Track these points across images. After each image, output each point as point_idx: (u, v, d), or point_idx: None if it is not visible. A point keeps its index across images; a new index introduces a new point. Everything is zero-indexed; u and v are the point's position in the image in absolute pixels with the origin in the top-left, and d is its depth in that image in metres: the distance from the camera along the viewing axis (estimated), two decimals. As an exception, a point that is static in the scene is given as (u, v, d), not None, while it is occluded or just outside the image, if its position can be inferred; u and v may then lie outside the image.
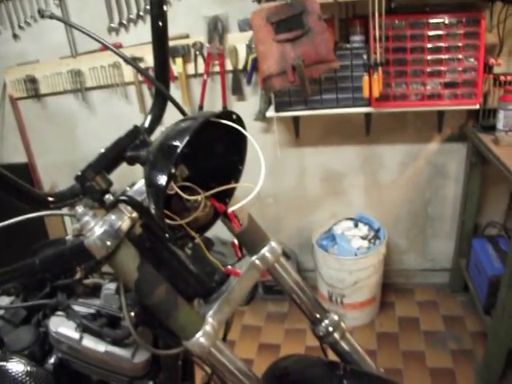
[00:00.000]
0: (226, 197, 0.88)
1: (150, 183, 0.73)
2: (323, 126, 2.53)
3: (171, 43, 2.38)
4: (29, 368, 1.03)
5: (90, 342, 1.03)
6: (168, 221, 0.77)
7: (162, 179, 0.70)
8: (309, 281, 2.83)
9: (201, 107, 2.49)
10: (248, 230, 1.02)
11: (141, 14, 2.44)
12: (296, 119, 2.48)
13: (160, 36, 0.95)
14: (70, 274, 1.17)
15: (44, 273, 1.12)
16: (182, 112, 0.95)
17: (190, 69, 2.47)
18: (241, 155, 0.87)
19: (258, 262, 1.03)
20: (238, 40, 2.34)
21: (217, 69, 2.43)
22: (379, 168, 2.60)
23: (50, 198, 0.87)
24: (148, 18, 2.43)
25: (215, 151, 0.87)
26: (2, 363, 1.03)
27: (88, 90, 2.71)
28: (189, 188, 0.83)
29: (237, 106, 2.55)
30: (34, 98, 2.81)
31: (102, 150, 0.85)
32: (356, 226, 2.63)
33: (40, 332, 1.11)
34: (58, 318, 1.08)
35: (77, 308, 1.08)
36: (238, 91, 2.48)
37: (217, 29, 2.31)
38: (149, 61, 2.42)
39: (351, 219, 2.66)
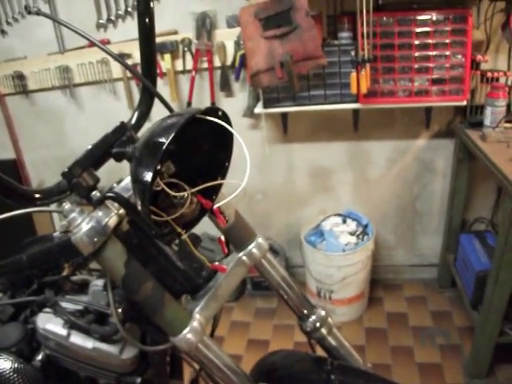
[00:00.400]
0: (212, 193, 0.88)
1: (136, 180, 0.73)
2: (311, 122, 2.53)
3: (159, 39, 2.37)
4: (16, 365, 1.03)
5: (77, 339, 1.03)
6: (154, 217, 0.78)
7: (148, 176, 0.70)
8: (297, 277, 2.85)
9: (189, 103, 2.49)
10: (235, 226, 1.02)
11: (129, 10, 2.43)
12: (284, 115, 2.49)
13: (147, 33, 0.95)
14: (57, 271, 1.17)
15: (31, 269, 1.12)
16: (169, 108, 0.95)
17: (179, 65, 2.47)
18: (227, 152, 0.87)
19: (245, 258, 1.04)
20: (226, 36, 2.33)
21: (205, 65, 2.42)
22: (367, 164, 2.62)
23: (37, 195, 0.87)
24: (136, 14, 2.41)
25: (202, 148, 0.88)
26: (-11, 360, 1.03)
27: (76, 87, 2.69)
28: (175, 184, 0.83)
29: (225, 103, 2.55)
30: (22, 94, 2.80)
31: (89, 147, 0.85)
32: (344, 221, 2.64)
33: (28, 329, 1.11)
34: (45, 315, 1.08)
35: (64, 304, 1.08)
36: (226, 87, 2.48)
37: (205, 25, 2.31)
38: (137, 57, 2.41)
39: (339, 215, 2.67)
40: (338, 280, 2.44)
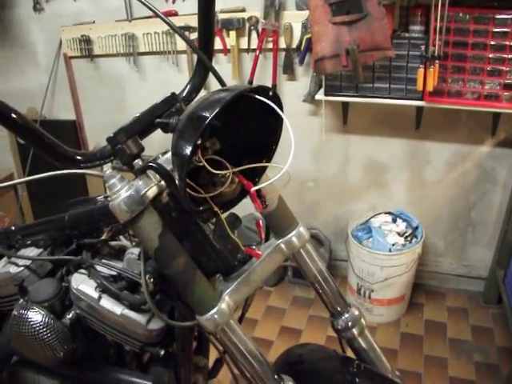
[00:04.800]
0: (256, 176, 0.86)
1: (176, 152, 0.71)
2: (372, 115, 2.46)
3: (226, 15, 2.36)
4: (47, 319, 1.05)
5: (107, 303, 1.04)
6: (192, 193, 0.76)
7: (188, 149, 0.69)
8: (340, 270, 2.83)
9: (250, 83, 2.46)
10: (277, 211, 0.99)
11: (199, -18, 2.41)
12: (345, 105, 2.43)
13: (207, 5, 0.92)
14: (97, 234, 1.18)
15: (72, 229, 1.15)
16: (222, 83, 0.93)
17: (243, 43, 2.44)
18: (276, 134, 0.84)
19: (283, 245, 1.01)
20: (294, 18, 2.28)
21: (270, 45, 2.39)
22: (425, 165, 2.52)
23: (79, 157, 0.87)
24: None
25: (250, 127, 0.85)
26: (22, 311, 1.06)
27: (140, 55, 2.72)
28: (219, 162, 0.81)
29: (287, 86, 2.51)
30: (88, 58, 2.85)
31: (137, 115, 0.85)
32: (394, 221, 2.57)
33: (62, 286, 1.13)
34: (80, 276, 1.10)
35: (99, 268, 1.09)
36: (289, 70, 2.43)
37: (274, 5, 2.26)
38: (203, 31, 2.40)
39: (390, 213, 2.60)
40: (379, 279, 2.38)
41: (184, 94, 0.96)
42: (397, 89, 2.15)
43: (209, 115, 0.67)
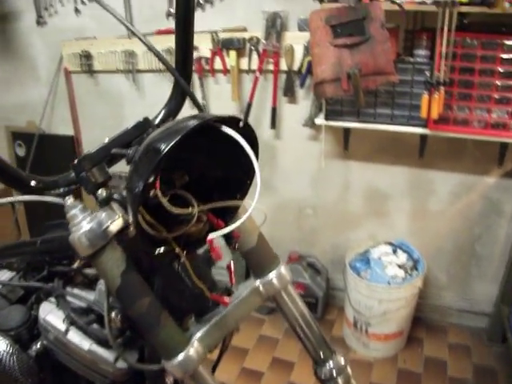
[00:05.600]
0: (229, 213, 0.78)
1: (129, 188, 0.64)
2: (374, 142, 2.39)
3: (227, 35, 2.32)
4: (11, 350, 0.99)
5: (75, 337, 0.97)
6: (151, 231, 0.68)
7: (139, 186, 0.61)
8: (338, 301, 2.75)
9: (249, 105, 2.39)
10: (256, 249, 0.91)
11: (200, 1, 2.35)
12: (346, 131, 2.35)
13: (185, 24, 0.85)
14: (69, 262, 1.12)
15: (43, 254, 1.09)
16: (200, 109, 0.86)
17: (244, 64, 2.38)
18: (250, 168, 0.77)
19: (262, 287, 0.93)
20: (295, 40, 2.22)
21: (271, 67, 2.33)
22: (428, 195, 2.44)
23: (37, 183, 0.80)
24: (208, 6, 2.36)
25: (222, 159, 0.77)
26: (-14, 340, 0.99)
27: (139, 72, 2.68)
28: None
29: (287, 108, 2.45)
30: (88, 74, 2.81)
31: (106, 141, 0.78)
32: (394, 252, 2.47)
33: (31, 315, 1.07)
34: (49, 305, 1.03)
35: (69, 298, 1.02)
36: (289, 93, 2.36)
37: (275, 25, 2.20)
38: (202, 50, 2.37)
39: (390, 244, 2.50)
40: (377, 314, 2.28)
41: (158, 119, 0.89)
42: (400, 115, 2.07)
43: (164, 148, 0.59)
